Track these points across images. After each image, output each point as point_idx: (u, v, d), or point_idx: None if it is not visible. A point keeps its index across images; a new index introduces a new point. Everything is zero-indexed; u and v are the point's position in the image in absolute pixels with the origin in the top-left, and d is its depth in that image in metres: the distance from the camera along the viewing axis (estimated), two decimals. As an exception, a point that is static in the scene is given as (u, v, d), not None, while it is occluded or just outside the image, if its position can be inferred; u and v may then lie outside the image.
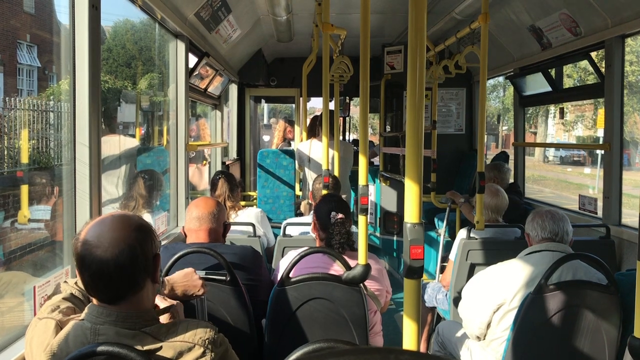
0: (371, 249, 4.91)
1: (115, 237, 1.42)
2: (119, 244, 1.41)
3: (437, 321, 3.97)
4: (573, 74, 22.37)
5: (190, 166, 6.33)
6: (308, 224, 3.71)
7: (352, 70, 4.85)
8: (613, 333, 2.36)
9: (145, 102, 4.97)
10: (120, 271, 1.41)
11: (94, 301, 1.47)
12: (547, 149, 29.84)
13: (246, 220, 3.77)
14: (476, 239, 3.42)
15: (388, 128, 6.95)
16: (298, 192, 5.75)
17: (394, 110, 6.86)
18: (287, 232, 3.54)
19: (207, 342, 1.46)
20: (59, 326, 1.48)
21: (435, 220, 5.76)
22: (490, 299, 2.52)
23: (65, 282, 1.73)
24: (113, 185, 3.65)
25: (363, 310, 2.36)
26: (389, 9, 5.17)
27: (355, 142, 8.41)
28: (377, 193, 6.79)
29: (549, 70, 4.70)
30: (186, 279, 1.97)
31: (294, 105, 7.48)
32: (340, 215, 2.62)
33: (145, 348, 1.39)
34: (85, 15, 2.27)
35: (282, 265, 2.65)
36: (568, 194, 18.46)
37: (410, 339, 1.57)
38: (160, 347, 1.40)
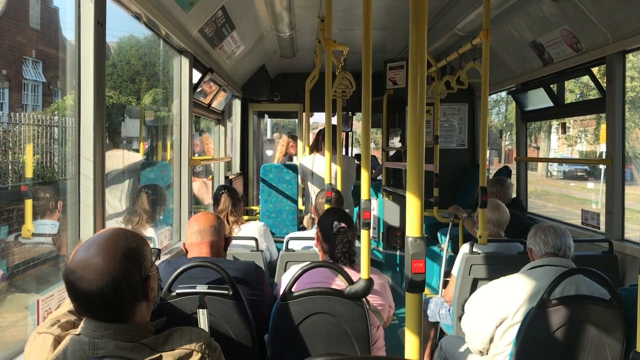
0: (374, 263, 4.89)
1: (99, 268, 1.39)
2: (103, 276, 1.38)
3: (440, 336, 3.95)
4: (575, 89, 22.43)
5: (197, 180, 6.37)
6: (311, 239, 3.72)
7: (354, 85, 4.86)
8: (616, 348, 2.35)
9: (149, 117, 5.00)
10: (106, 303, 1.40)
11: None
12: (550, 163, 29.75)
13: (249, 235, 3.77)
14: (479, 253, 3.42)
15: (391, 143, 6.97)
16: (301, 207, 5.76)
17: (396, 125, 6.88)
18: (289, 247, 3.54)
19: (203, 347, 1.48)
20: (57, 341, 1.47)
21: (438, 235, 5.75)
22: (493, 313, 2.51)
23: None
24: (117, 199, 3.67)
25: (365, 325, 2.35)
26: (390, 25, 5.22)
27: (358, 156, 8.42)
28: (379, 207, 6.79)
29: (551, 85, 4.72)
30: None
31: (297, 120, 7.52)
32: (342, 224, 2.64)
33: None
34: (90, 32, 2.30)
35: (285, 279, 2.65)
36: (571, 209, 18.38)
37: (412, 353, 1.57)
38: (160, 357, 1.42)
